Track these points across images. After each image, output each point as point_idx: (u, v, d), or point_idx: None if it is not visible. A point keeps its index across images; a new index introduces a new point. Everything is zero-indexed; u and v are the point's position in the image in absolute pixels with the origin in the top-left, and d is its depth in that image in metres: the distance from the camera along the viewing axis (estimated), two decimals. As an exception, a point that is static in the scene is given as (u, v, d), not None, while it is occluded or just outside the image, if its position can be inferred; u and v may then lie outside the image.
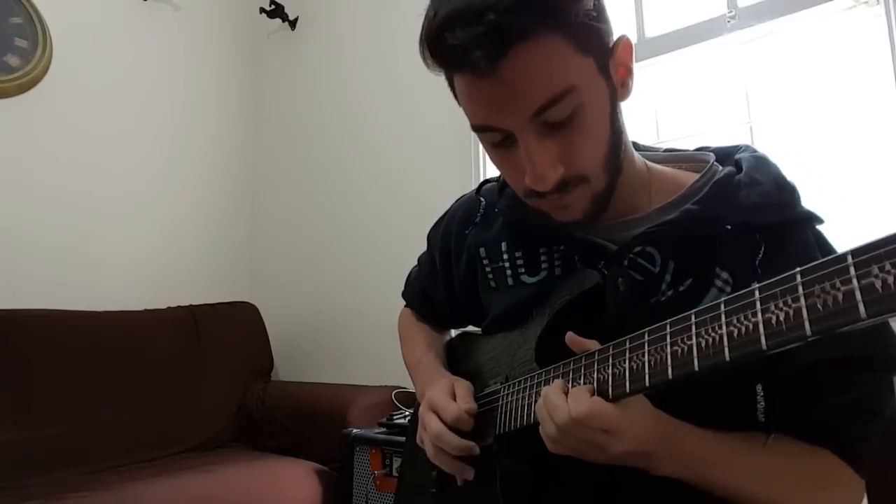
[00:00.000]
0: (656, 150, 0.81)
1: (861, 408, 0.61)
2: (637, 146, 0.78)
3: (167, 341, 2.16)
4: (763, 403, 0.60)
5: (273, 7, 2.73)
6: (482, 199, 0.86)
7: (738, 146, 0.73)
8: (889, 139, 1.46)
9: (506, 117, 0.60)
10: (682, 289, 0.64)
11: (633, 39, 0.66)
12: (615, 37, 0.64)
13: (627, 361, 0.53)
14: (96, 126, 2.31)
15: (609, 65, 0.63)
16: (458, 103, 0.66)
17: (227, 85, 2.81)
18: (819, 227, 0.66)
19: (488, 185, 0.87)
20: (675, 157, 0.77)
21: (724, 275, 0.63)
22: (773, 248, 0.63)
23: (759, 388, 0.60)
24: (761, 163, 0.68)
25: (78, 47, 2.28)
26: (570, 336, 0.59)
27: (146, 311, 2.22)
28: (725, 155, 0.72)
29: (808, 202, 0.67)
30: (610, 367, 0.55)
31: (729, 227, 0.63)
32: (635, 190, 0.70)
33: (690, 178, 0.71)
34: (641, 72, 1.85)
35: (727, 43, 1.71)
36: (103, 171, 2.32)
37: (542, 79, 0.57)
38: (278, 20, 2.77)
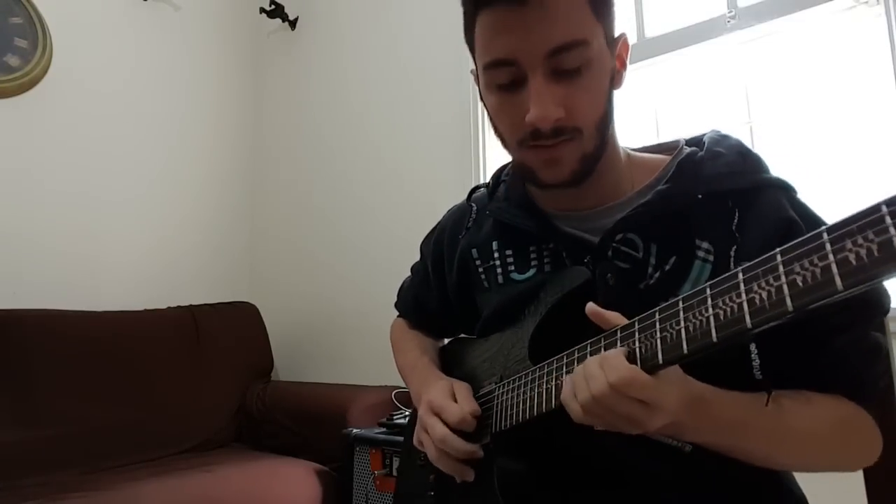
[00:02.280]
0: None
1: (864, 347, 0.62)
2: None
3: (167, 341, 2.16)
4: (758, 361, 0.60)
5: (273, 7, 2.73)
6: (473, 205, 0.88)
7: (707, 132, 0.76)
8: (889, 139, 1.46)
9: (526, 48, 0.63)
10: (667, 268, 0.66)
11: (633, 39, 0.68)
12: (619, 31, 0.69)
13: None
14: (96, 126, 2.32)
15: (614, 45, 0.68)
16: (473, 48, 0.69)
17: (227, 85, 2.81)
18: (797, 195, 0.68)
19: (478, 192, 0.90)
20: (652, 148, 0.80)
21: (705, 244, 0.65)
22: (746, 212, 0.65)
23: (752, 346, 0.60)
24: (722, 137, 0.72)
25: (78, 47, 2.28)
26: (591, 307, 0.58)
27: (146, 311, 2.22)
28: (694, 140, 0.76)
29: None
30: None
31: (700, 196, 0.66)
32: (616, 177, 0.73)
33: (664, 161, 0.74)
34: (641, 72, 1.85)
35: (727, 43, 1.71)
36: (103, 170, 2.32)
37: (566, 19, 0.62)
38: (278, 20, 2.77)
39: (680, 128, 1.81)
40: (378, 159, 2.42)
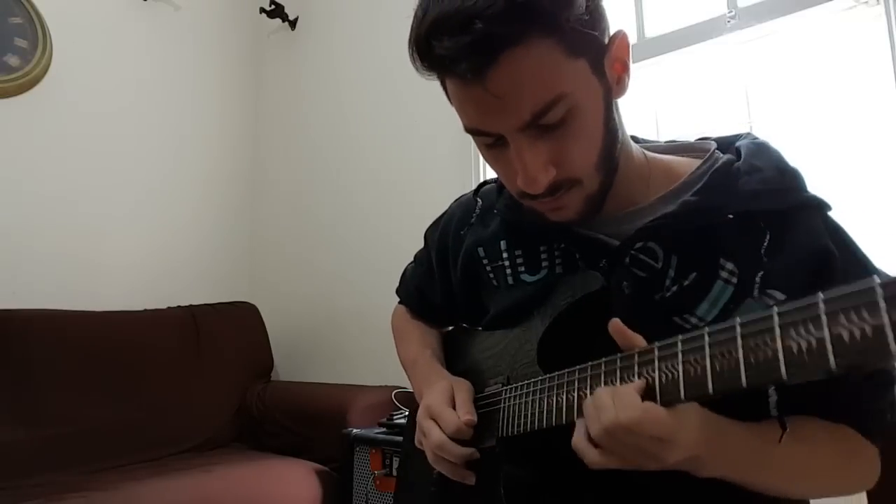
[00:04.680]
0: (657, 142, 0.80)
1: (879, 381, 0.61)
2: (636, 139, 0.77)
3: (167, 341, 2.16)
4: (775, 397, 0.59)
5: (273, 7, 2.73)
6: (479, 199, 0.85)
7: (739, 134, 0.72)
8: (889, 139, 1.46)
9: (496, 123, 0.59)
10: (686, 283, 0.63)
11: (633, 39, 0.66)
12: (612, 32, 0.63)
13: (635, 377, 0.52)
14: (96, 126, 2.32)
15: (604, 63, 0.62)
16: (451, 103, 0.65)
17: (227, 85, 2.81)
18: (829, 214, 0.65)
19: (487, 186, 0.87)
20: (675, 147, 0.76)
21: (729, 265, 0.62)
22: (779, 235, 0.62)
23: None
24: (762, 149, 0.67)
25: (78, 47, 2.28)
26: (616, 324, 0.54)
27: (146, 311, 2.22)
28: (727, 144, 0.72)
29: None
30: (618, 381, 0.53)
31: (731, 216, 0.62)
32: (634, 182, 0.69)
33: (690, 165, 0.70)
34: (641, 72, 1.85)
35: (727, 43, 1.70)
36: (103, 171, 2.32)
37: (533, 87, 0.56)
38: (278, 20, 2.77)
39: (680, 128, 1.80)
40: (377, 159, 2.42)
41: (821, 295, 0.38)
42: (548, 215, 0.67)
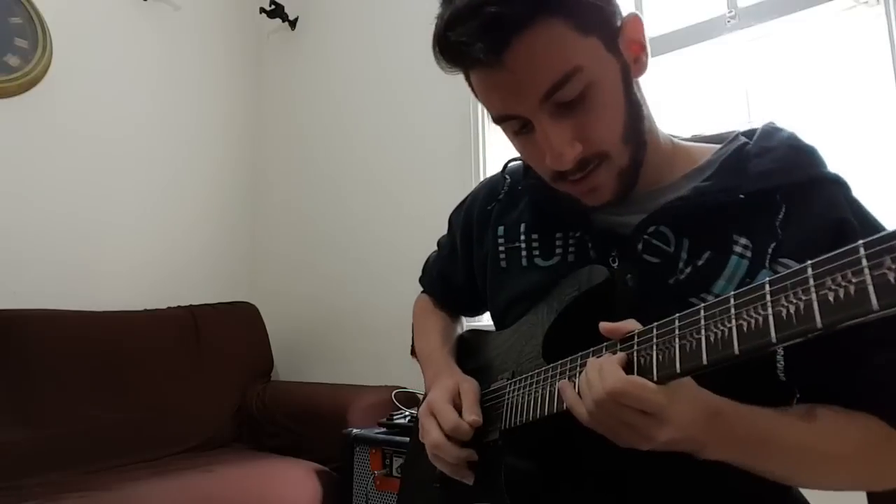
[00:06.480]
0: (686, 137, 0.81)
1: None
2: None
3: (167, 341, 2.16)
4: (783, 362, 0.58)
5: (273, 7, 2.73)
6: (507, 177, 0.85)
7: (762, 125, 0.73)
8: (889, 139, 1.46)
9: (518, 104, 0.62)
10: (700, 263, 0.64)
11: None
12: (624, 15, 0.66)
13: (636, 356, 0.53)
14: (96, 126, 2.31)
15: (618, 42, 0.64)
16: (478, 99, 0.68)
17: (227, 85, 2.81)
18: (851, 192, 0.65)
19: (514, 163, 0.87)
20: (704, 138, 0.78)
21: (743, 240, 0.63)
22: (796, 207, 0.62)
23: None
24: (773, 130, 0.69)
25: (78, 47, 2.28)
26: (604, 326, 0.57)
27: (146, 311, 2.22)
28: (749, 134, 0.72)
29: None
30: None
31: (742, 196, 0.63)
32: (659, 165, 0.70)
33: (709, 151, 0.71)
34: (641, 72, 1.85)
35: (727, 43, 1.71)
36: (104, 170, 2.32)
37: (546, 63, 0.59)
38: (278, 20, 2.77)
39: (679, 128, 1.80)
40: (378, 160, 2.42)
41: (809, 261, 0.40)
42: (584, 200, 0.68)
